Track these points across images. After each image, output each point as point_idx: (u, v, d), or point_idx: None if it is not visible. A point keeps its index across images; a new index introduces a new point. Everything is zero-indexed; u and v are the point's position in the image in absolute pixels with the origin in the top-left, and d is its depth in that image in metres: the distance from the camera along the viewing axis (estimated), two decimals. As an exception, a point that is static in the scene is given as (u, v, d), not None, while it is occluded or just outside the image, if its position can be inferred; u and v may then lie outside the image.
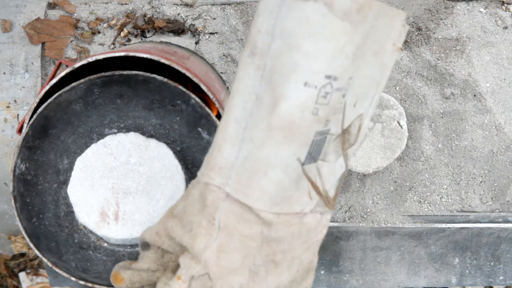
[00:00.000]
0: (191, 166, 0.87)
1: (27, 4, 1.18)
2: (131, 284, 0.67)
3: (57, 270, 0.84)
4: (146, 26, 1.16)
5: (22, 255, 1.88)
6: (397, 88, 1.15)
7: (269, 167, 0.61)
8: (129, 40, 1.17)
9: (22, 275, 1.87)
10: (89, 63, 0.85)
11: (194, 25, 1.16)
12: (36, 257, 1.87)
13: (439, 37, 1.14)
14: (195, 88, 0.91)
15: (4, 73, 1.16)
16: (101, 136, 0.87)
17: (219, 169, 0.62)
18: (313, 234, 0.68)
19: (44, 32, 1.16)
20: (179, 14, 1.17)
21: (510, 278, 1.26)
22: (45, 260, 0.85)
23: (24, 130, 0.80)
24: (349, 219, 1.21)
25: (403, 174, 1.19)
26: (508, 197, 1.20)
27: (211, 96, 0.88)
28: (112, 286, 0.69)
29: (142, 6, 1.17)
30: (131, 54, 0.85)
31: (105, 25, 1.17)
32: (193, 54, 1.13)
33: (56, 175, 0.88)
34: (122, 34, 1.16)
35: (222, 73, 1.16)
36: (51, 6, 1.19)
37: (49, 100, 0.81)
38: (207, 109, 0.86)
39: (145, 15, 1.16)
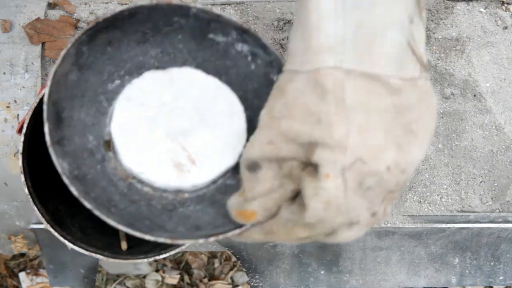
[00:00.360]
0: (219, 76, 0.79)
1: (27, 4, 1.18)
2: (266, 212, 0.62)
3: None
4: (146, 26, 1.16)
5: (22, 255, 1.88)
6: (397, 88, 1.15)
7: (386, 28, 0.58)
8: (129, 40, 1.17)
9: (22, 275, 1.87)
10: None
11: (194, 25, 1.16)
12: (36, 257, 1.87)
13: (439, 37, 1.14)
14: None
15: (4, 73, 1.16)
16: (107, 94, 0.77)
17: (328, 48, 0.58)
18: (429, 98, 0.64)
19: (44, 32, 1.16)
20: (179, 14, 1.17)
21: (510, 278, 1.26)
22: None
23: (46, 128, 0.69)
24: (349, 219, 1.21)
25: (403, 174, 1.19)
26: (508, 197, 1.20)
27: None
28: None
29: (142, 6, 1.17)
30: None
31: (105, 25, 1.17)
32: (193, 54, 1.13)
33: (92, 156, 0.76)
34: (122, 34, 1.16)
35: (222, 73, 1.16)
36: (51, 6, 1.19)
37: (49, 82, 0.71)
38: (214, 10, 0.76)
39: (145, 15, 1.16)
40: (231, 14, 1.16)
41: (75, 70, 0.75)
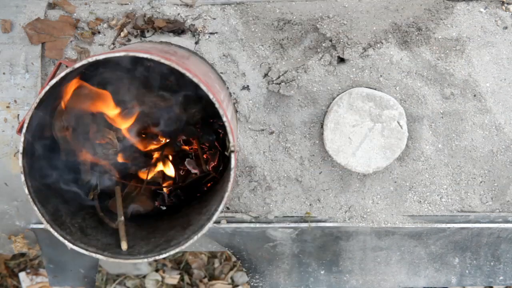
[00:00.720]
0: None
1: (27, 4, 1.18)
2: None
3: None
4: (146, 26, 1.16)
5: (22, 255, 1.88)
6: (397, 88, 1.15)
7: None
8: (129, 40, 1.17)
9: (22, 275, 1.87)
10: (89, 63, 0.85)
11: (194, 25, 1.16)
12: (36, 257, 1.87)
13: (439, 37, 1.14)
14: (196, 87, 0.90)
15: (4, 73, 1.16)
16: None
17: None
18: None
19: (44, 32, 1.16)
20: (179, 14, 1.17)
21: (510, 278, 1.26)
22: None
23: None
24: (349, 219, 1.21)
25: (403, 174, 1.19)
26: (508, 197, 1.20)
27: (211, 96, 0.88)
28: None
29: (142, 6, 1.17)
30: (131, 54, 0.85)
31: (105, 25, 1.17)
32: (193, 54, 1.13)
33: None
34: (122, 34, 1.16)
35: (222, 73, 1.16)
36: (51, 6, 1.19)
37: None
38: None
39: (145, 15, 1.16)
40: (231, 14, 1.16)
41: None
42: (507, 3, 1.16)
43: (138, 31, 1.16)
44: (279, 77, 1.15)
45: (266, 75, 1.16)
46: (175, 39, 1.16)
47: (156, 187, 1.20)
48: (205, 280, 1.94)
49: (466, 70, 1.15)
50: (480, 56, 1.15)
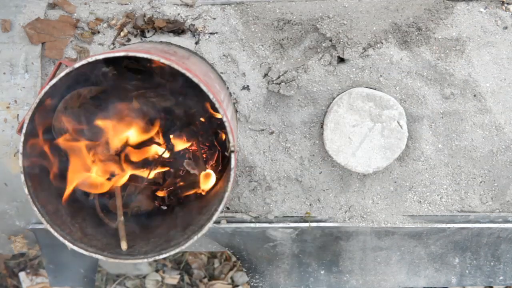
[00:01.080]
0: None
1: (27, 4, 1.18)
2: None
3: None
4: (146, 26, 1.16)
5: (22, 255, 1.88)
6: (397, 88, 1.15)
7: None
8: (129, 40, 1.17)
9: (22, 275, 1.87)
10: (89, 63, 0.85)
11: (194, 25, 1.16)
12: (36, 257, 1.87)
13: (439, 37, 1.14)
14: (195, 88, 0.90)
15: (4, 73, 1.16)
16: None
17: None
18: None
19: (44, 32, 1.16)
20: (179, 14, 1.17)
21: (510, 278, 1.26)
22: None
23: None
24: (349, 219, 1.21)
25: (403, 174, 1.19)
26: (508, 197, 1.20)
27: (211, 96, 0.88)
28: None
29: (142, 6, 1.17)
30: (131, 54, 0.85)
31: (105, 25, 1.17)
32: (193, 54, 1.13)
33: None
34: (122, 34, 1.16)
35: (222, 73, 1.16)
36: (51, 6, 1.18)
37: None
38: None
39: (145, 15, 1.16)
40: (231, 14, 1.16)
41: None
42: (507, 3, 1.16)
43: (138, 31, 1.16)
44: (279, 77, 1.15)
45: (266, 75, 1.16)
46: (175, 39, 1.16)
47: (156, 187, 1.20)
48: (205, 280, 1.94)
49: (466, 70, 1.15)
50: (480, 56, 1.15)
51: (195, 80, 0.86)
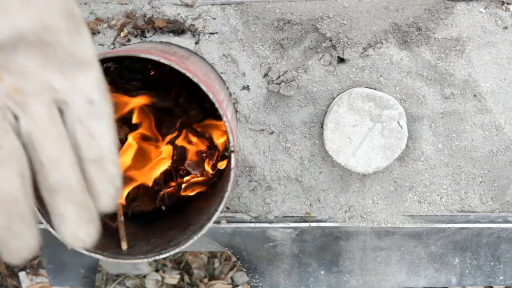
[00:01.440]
0: None
1: (27, 4, 1.18)
2: None
3: None
4: (146, 26, 1.16)
5: (22, 255, 1.88)
6: (397, 88, 1.15)
7: None
8: (129, 40, 1.17)
9: (22, 275, 1.87)
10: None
11: (194, 25, 1.16)
12: (36, 257, 1.87)
13: (439, 37, 1.14)
14: (195, 88, 0.91)
15: (4, 73, 1.16)
16: None
17: None
18: None
19: (44, 32, 1.15)
20: (179, 14, 1.17)
21: (510, 278, 1.26)
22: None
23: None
24: (349, 219, 1.21)
25: (403, 174, 1.19)
26: (508, 197, 1.20)
27: (211, 96, 0.88)
28: None
29: (142, 6, 1.17)
30: (130, 54, 0.85)
31: (105, 25, 1.17)
32: (193, 54, 1.14)
33: None
34: (122, 34, 1.16)
35: (222, 73, 1.16)
36: (51, 6, 1.18)
37: None
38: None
39: (145, 15, 1.16)
40: (231, 14, 1.16)
41: None
42: (507, 3, 1.16)
43: (138, 31, 1.16)
44: (279, 77, 1.15)
45: (266, 75, 1.16)
46: (175, 39, 1.16)
47: (157, 187, 1.20)
48: (205, 280, 1.94)
49: (466, 70, 1.15)
50: (480, 56, 1.15)
51: (195, 80, 0.87)
